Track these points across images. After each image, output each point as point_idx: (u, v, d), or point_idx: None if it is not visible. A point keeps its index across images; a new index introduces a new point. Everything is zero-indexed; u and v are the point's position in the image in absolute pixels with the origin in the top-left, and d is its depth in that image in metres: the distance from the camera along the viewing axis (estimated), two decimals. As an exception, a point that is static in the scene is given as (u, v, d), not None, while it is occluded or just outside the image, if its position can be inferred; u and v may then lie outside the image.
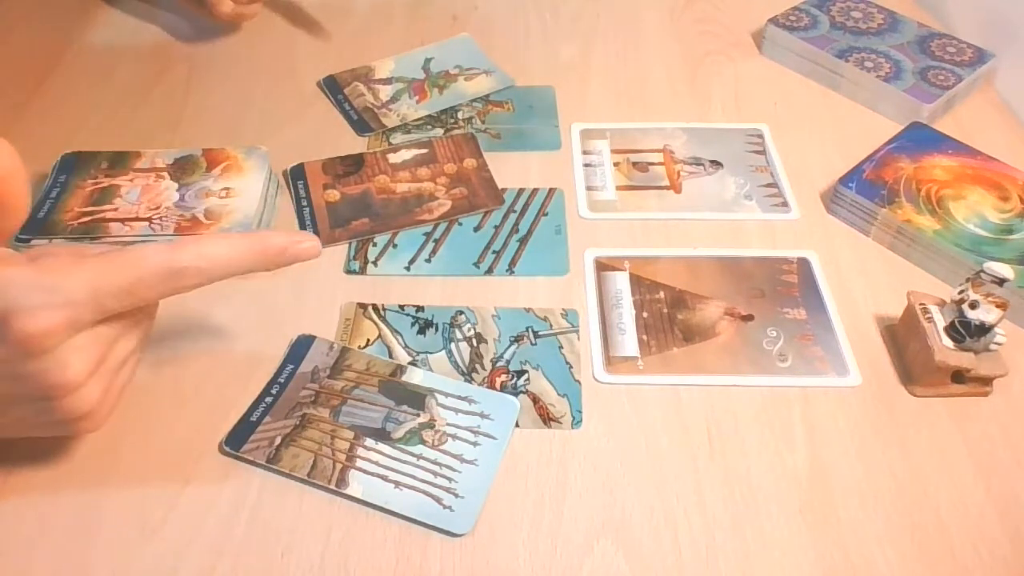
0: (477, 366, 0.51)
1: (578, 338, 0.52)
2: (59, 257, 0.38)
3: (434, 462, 0.46)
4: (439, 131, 0.67)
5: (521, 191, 0.62)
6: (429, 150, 0.65)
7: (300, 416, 0.48)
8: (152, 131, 0.66)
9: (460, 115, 0.68)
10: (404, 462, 0.46)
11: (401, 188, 0.61)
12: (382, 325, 0.53)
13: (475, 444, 0.47)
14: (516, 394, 0.49)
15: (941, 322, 0.49)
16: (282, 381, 0.49)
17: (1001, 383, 0.50)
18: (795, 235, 0.60)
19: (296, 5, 0.80)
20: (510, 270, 0.56)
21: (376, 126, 0.67)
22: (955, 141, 0.63)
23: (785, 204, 0.62)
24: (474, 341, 0.52)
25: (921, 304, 0.50)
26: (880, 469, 0.46)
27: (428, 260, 0.57)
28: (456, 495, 0.44)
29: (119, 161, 0.59)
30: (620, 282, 0.56)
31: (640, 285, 0.56)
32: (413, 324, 0.53)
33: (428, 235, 0.59)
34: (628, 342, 0.52)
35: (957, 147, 0.62)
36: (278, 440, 0.46)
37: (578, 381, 0.50)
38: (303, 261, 0.43)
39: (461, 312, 0.54)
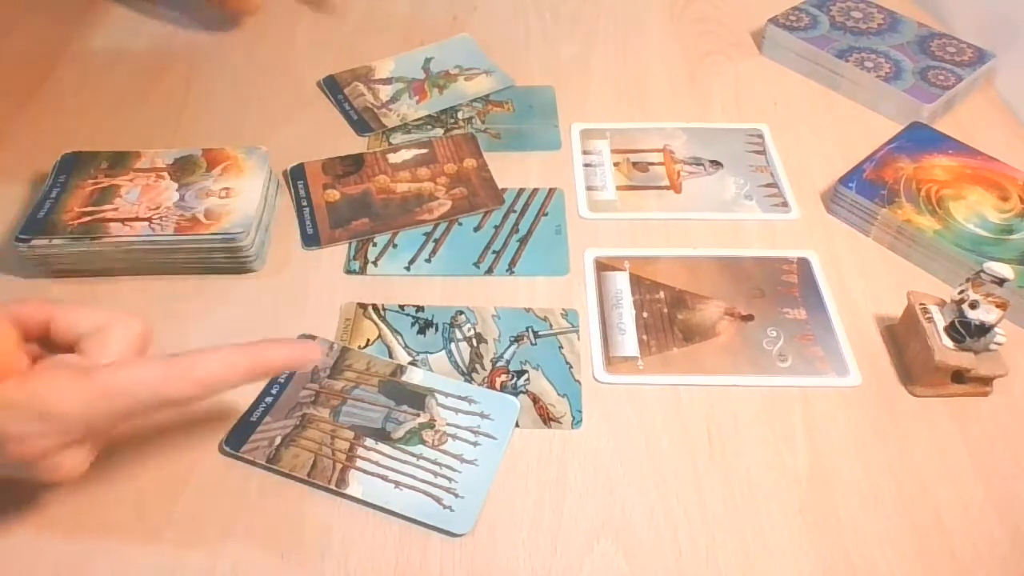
0: (477, 366, 0.51)
1: (578, 338, 0.52)
2: (52, 379, 0.38)
3: (434, 462, 0.46)
4: (439, 131, 0.67)
5: (521, 191, 0.62)
6: (429, 150, 0.65)
7: (300, 416, 0.48)
8: (152, 131, 0.66)
9: (460, 115, 0.68)
10: (404, 462, 0.46)
11: (401, 188, 0.61)
12: (382, 325, 0.53)
13: (475, 444, 0.47)
14: (516, 394, 0.49)
15: (941, 322, 0.49)
16: (282, 381, 0.49)
17: (1001, 383, 0.50)
18: (795, 235, 0.60)
19: (300, 6, 0.80)
20: (510, 270, 0.56)
21: (376, 126, 0.67)
22: (955, 141, 0.63)
23: (785, 204, 0.62)
24: (474, 341, 0.52)
25: (921, 304, 0.50)
26: (880, 469, 0.46)
27: (428, 260, 0.57)
28: (456, 495, 0.44)
29: (119, 161, 0.59)
30: (620, 282, 0.56)
31: (640, 285, 0.56)
32: (413, 324, 0.53)
33: (428, 235, 0.59)
34: (628, 342, 0.52)
35: (957, 147, 0.62)
36: (278, 440, 0.46)
37: (578, 381, 0.50)
38: (297, 368, 0.43)
39: (461, 312, 0.54)
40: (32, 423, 0.36)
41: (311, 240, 0.58)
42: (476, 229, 0.59)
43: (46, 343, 0.41)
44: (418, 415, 0.48)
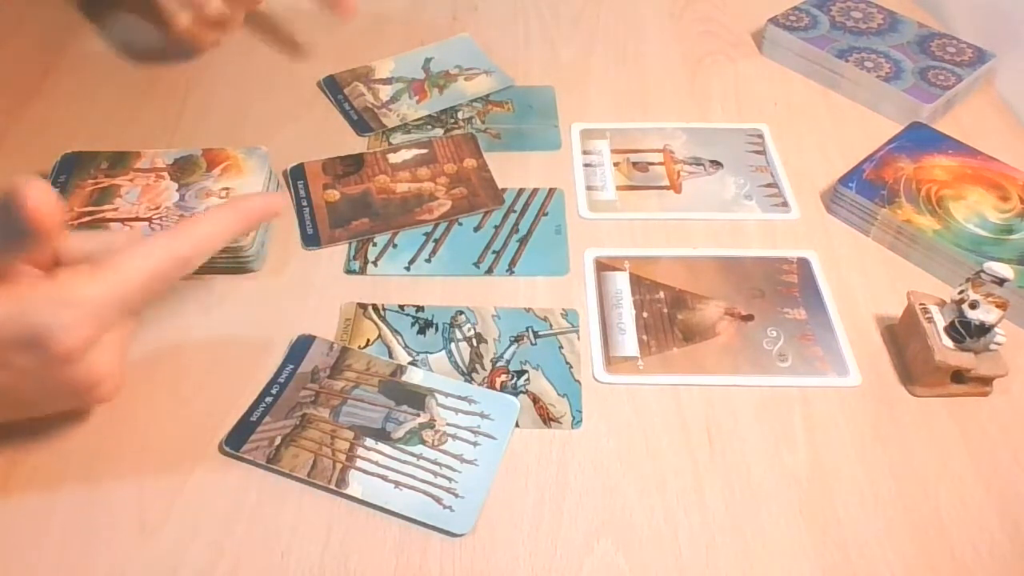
0: (477, 366, 0.51)
1: (578, 338, 0.52)
2: (74, 269, 0.40)
3: (434, 462, 0.46)
4: (439, 131, 0.67)
5: (521, 191, 0.62)
6: (429, 150, 0.65)
7: (300, 416, 0.48)
8: (152, 131, 0.66)
9: (460, 115, 0.68)
10: (404, 462, 0.46)
11: (401, 188, 0.61)
12: (382, 325, 0.53)
13: (475, 444, 0.47)
14: (516, 394, 0.49)
15: (941, 322, 0.49)
16: (282, 381, 0.49)
17: (1001, 383, 0.50)
18: (795, 235, 0.60)
19: (299, 6, 0.80)
20: (510, 270, 0.56)
21: (376, 126, 0.67)
22: (955, 141, 0.63)
23: (785, 204, 0.62)
24: (474, 341, 0.52)
25: (921, 304, 0.50)
26: (880, 469, 0.46)
27: (428, 260, 0.57)
28: (456, 495, 0.44)
29: (119, 161, 0.59)
30: (620, 282, 0.56)
31: (640, 285, 0.56)
32: (413, 324, 0.53)
33: (428, 235, 0.59)
34: (628, 342, 0.52)
35: (957, 147, 0.62)
36: (278, 440, 0.46)
37: (578, 381, 0.50)
38: (273, 215, 0.48)
39: (461, 312, 0.54)
40: (69, 310, 0.38)
41: (311, 240, 0.58)
42: (476, 229, 0.59)
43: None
44: (418, 415, 0.48)
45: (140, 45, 0.75)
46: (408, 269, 0.56)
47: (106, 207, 0.55)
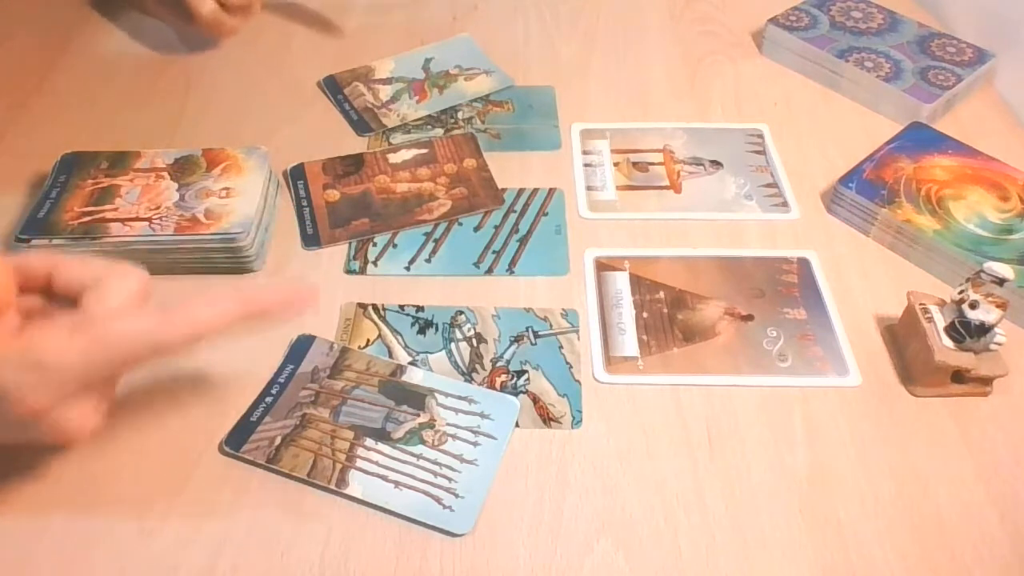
0: (477, 366, 0.51)
1: (578, 338, 0.52)
2: (48, 331, 0.38)
3: (434, 462, 0.46)
4: (439, 131, 0.67)
5: (521, 191, 0.62)
6: (429, 150, 0.65)
7: (300, 416, 0.48)
8: (152, 131, 0.66)
9: (460, 115, 0.68)
10: (404, 462, 0.46)
11: (401, 188, 0.61)
12: (382, 325, 0.53)
13: (475, 444, 0.47)
14: (516, 394, 0.49)
15: (941, 322, 0.49)
16: (282, 381, 0.49)
17: (1001, 383, 0.50)
18: (795, 235, 0.60)
19: (299, 5, 0.80)
20: (510, 270, 0.56)
21: (376, 126, 0.67)
22: (955, 141, 0.63)
23: (785, 204, 0.62)
24: (474, 341, 0.52)
25: (921, 304, 0.50)
26: (880, 469, 0.46)
27: (428, 260, 0.57)
28: (456, 495, 0.44)
29: (119, 161, 0.59)
30: (620, 282, 0.56)
31: (640, 285, 0.56)
32: (413, 324, 0.53)
33: (428, 235, 0.59)
34: (628, 342, 0.52)
35: (957, 147, 0.62)
36: (278, 440, 0.46)
37: (578, 381, 0.50)
38: (292, 313, 0.42)
39: (461, 312, 0.54)
40: (27, 373, 0.37)
41: (311, 240, 0.58)
42: (476, 229, 0.59)
43: (48, 295, 0.41)
44: (418, 415, 0.48)
45: (141, 45, 0.75)
46: (408, 269, 0.56)
47: (106, 207, 0.55)
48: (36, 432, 0.39)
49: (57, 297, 0.41)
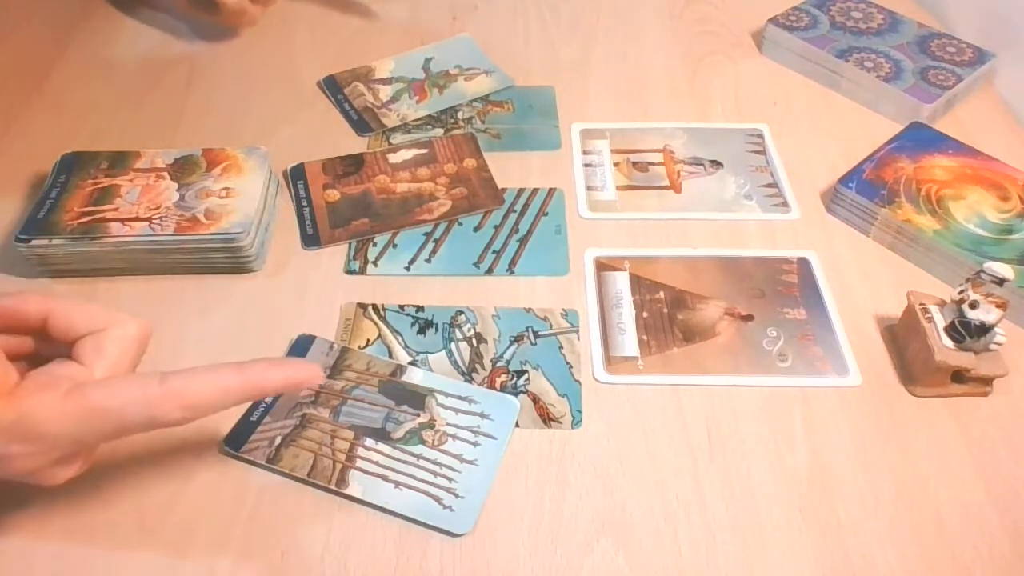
0: (477, 366, 0.51)
1: (578, 338, 0.52)
2: (41, 397, 0.37)
3: (434, 462, 0.46)
4: (439, 131, 0.67)
5: (521, 191, 0.62)
6: (429, 150, 0.65)
7: (300, 416, 0.48)
8: (152, 131, 0.66)
9: (460, 115, 0.68)
10: (404, 462, 0.46)
11: (401, 188, 0.61)
12: (382, 325, 0.53)
13: (475, 444, 0.47)
14: (516, 394, 0.49)
15: (941, 322, 0.49)
16: (282, 381, 0.49)
17: (1001, 383, 0.50)
18: (795, 235, 0.60)
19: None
20: (510, 270, 0.56)
21: (376, 126, 0.67)
22: (955, 141, 0.63)
23: (785, 204, 0.62)
24: (474, 341, 0.52)
25: (921, 304, 0.50)
26: (880, 469, 0.46)
27: (428, 260, 0.57)
28: (456, 495, 0.44)
29: (119, 161, 0.59)
30: (620, 282, 0.56)
31: (640, 285, 0.56)
32: (413, 324, 0.53)
33: (428, 235, 0.59)
34: (628, 342, 0.52)
35: (957, 147, 0.62)
36: (278, 440, 0.46)
37: (578, 381, 0.50)
38: (293, 389, 0.41)
39: (461, 312, 0.54)
40: (21, 444, 0.36)
41: (311, 240, 0.58)
42: (476, 229, 0.59)
43: (43, 337, 0.40)
44: (418, 415, 0.48)
45: (141, 45, 0.75)
46: (408, 269, 0.56)
47: (106, 207, 0.55)
48: (23, 480, 0.38)
49: (52, 341, 0.40)
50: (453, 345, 0.52)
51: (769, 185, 0.63)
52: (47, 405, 0.36)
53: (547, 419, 0.48)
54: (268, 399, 0.48)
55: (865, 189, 0.59)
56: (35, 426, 0.36)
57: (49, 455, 0.37)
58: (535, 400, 0.49)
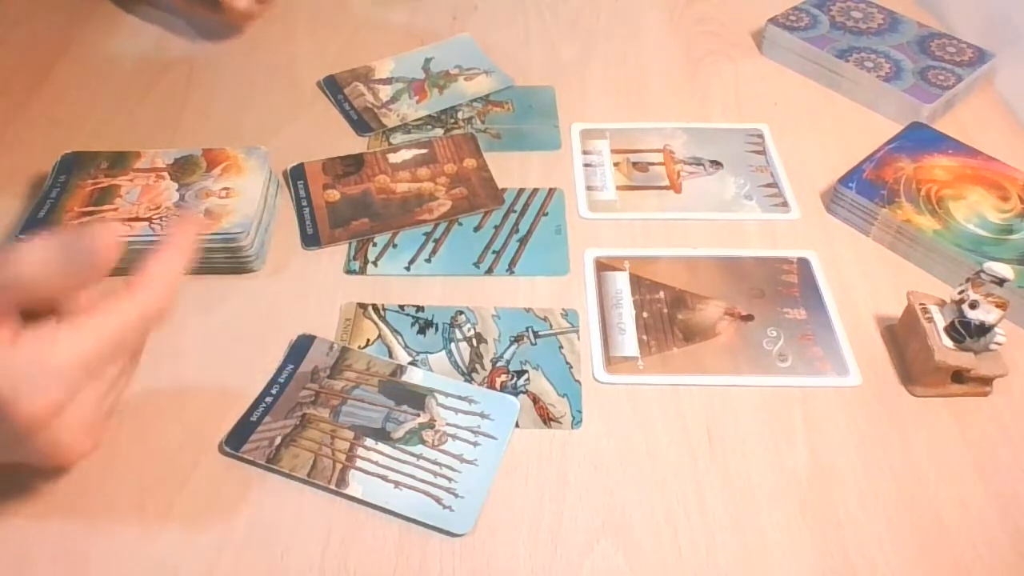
0: (477, 366, 0.51)
1: (578, 338, 0.52)
2: (37, 332, 0.38)
3: (434, 462, 0.46)
4: (439, 131, 0.67)
5: (521, 191, 0.62)
6: (429, 150, 0.65)
7: (300, 416, 0.48)
8: (152, 131, 0.66)
9: (460, 115, 0.68)
10: (404, 462, 0.46)
11: (401, 188, 0.61)
12: (382, 325, 0.53)
13: (475, 444, 0.47)
14: (516, 394, 0.49)
15: (941, 322, 0.49)
16: (282, 381, 0.49)
17: (1001, 383, 0.50)
18: (795, 235, 0.60)
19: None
20: (510, 270, 0.56)
21: (376, 126, 0.67)
22: (955, 141, 0.63)
23: (785, 204, 0.62)
24: (474, 341, 0.52)
25: (921, 304, 0.50)
26: (880, 469, 0.46)
27: (428, 260, 0.57)
28: (456, 495, 0.44)
29: (119, 161, 0.59)
30: (620, 282, 0.56)
31: (640, 285, 0.56)
32: (413, 324, 0.53)
33: (428, 235, 0.59)
34: (628, 342, 0.52)
35: (957, 147, 0.62)
36: (278, 440, 0.46)
37: (578, 381, 0.50)
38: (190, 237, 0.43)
39: (461, 312, 0.54)
40: (29, 381, 0.36)
41: (311, 240, 0.58)
42: (476, 229, 0.59)
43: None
44: (418, 415, 0.48)
45: (141, 45, 0.75)
46: (408, 269, 0.56)
47: (106, 207, 0.55)
48: (32, 447, 0.38)
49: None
50: (453, 345, 0.52)
51: (769, 185, 0.63)
52: (43, 337, 0.37)
53: (547, 419, 0.48)
54: (268, 399, 0.48)
55: (865, 189, 0.59)
56: (39, 355, 0.37)
57: (56, 389, 0.37)
58: (535, 400, 0.49)
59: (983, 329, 0.47)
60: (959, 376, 0.49)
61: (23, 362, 0.37)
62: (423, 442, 0.47)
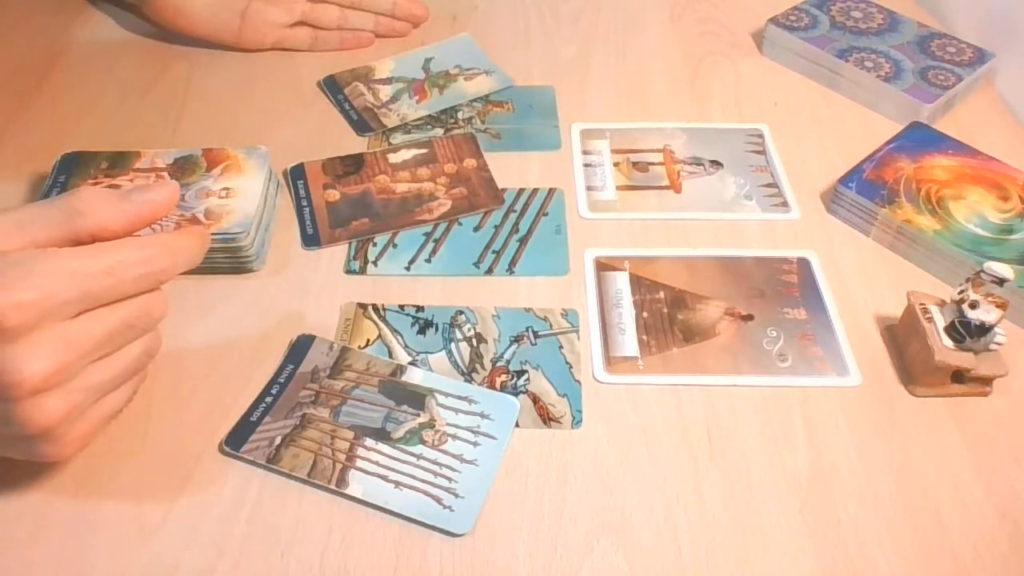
0: (477, 366, 0.51)
1: (578, 338, 0.52)
2: (41, 231, 0.39)
3: (434, 462, 0.46)
4: (439, 131, 0.67)
5: (521, 191, 0.62)
6: (429, 150, 0.65)
7: (300, 416, 0.48)
8: (152, 131, 0.66)
9: (460, 115, 0.68)
10: (404, 462, 0.46)
11: (401, 188, 0.61)
12: (382, 325, 0.53)
13: (475, 444, 0.47)
14: (516, 394, 0.49)
15: (941, 322, 0.49)
16: (282, 381, 0.49)
17: (1001, 383, 0.50)
18: (795, 235, 0.60)
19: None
20: (510, 270, 0.56)
21: (376, 126, 0.67)
22: (955, 141, 0.63)
23: (785, 204, 0.62)
24: (474, 341, 0.52)
25: (921, 304, 0.50)
26: (880, 469, 0.46)
27: (428, 260, 0.57)
28: (456, 495, 0.44)
29: (119, 161, 0.59)
30: (620, 282, 0.56)
31: (640, 285, 0.56)
32: (413, 324, 0.53)
33: (428, 235, 0.59)
34: (628, 342, 0.52)
35: (957, 147, 0.62)
36: (278, 440, 0.46)
37: (578, 381, 0.50)
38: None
39: (461, 312, 0.54)
40: (15, 268, 0.35)
41: (311, 240, 0.58)
42: (476, 229, 0.59)
43: None
44: (418, 415, 0.48)
45: (140, 45, 0.75)
46: (408, 269, 0.56)
47: (106, 207, 0.55)
48: (6, 410, 0.36)
49: None
50: (453, 345, 0.52)
51: (769, 185, 0.63)
52: (43, 252, 0.37)
53: (547, 419, 0.48)
54: (268, 399, 0.48)
55: (865, 189, 0.59)
56: (24, 254, 0.37)
57: (44, 288, 0.35)
58: (535, 400, 0.49)
59: (983, 329, 0.47)
60: (959, 376, 0.49)
61: (7, 262, 0.36)
62: (423, 442, 0.47)
